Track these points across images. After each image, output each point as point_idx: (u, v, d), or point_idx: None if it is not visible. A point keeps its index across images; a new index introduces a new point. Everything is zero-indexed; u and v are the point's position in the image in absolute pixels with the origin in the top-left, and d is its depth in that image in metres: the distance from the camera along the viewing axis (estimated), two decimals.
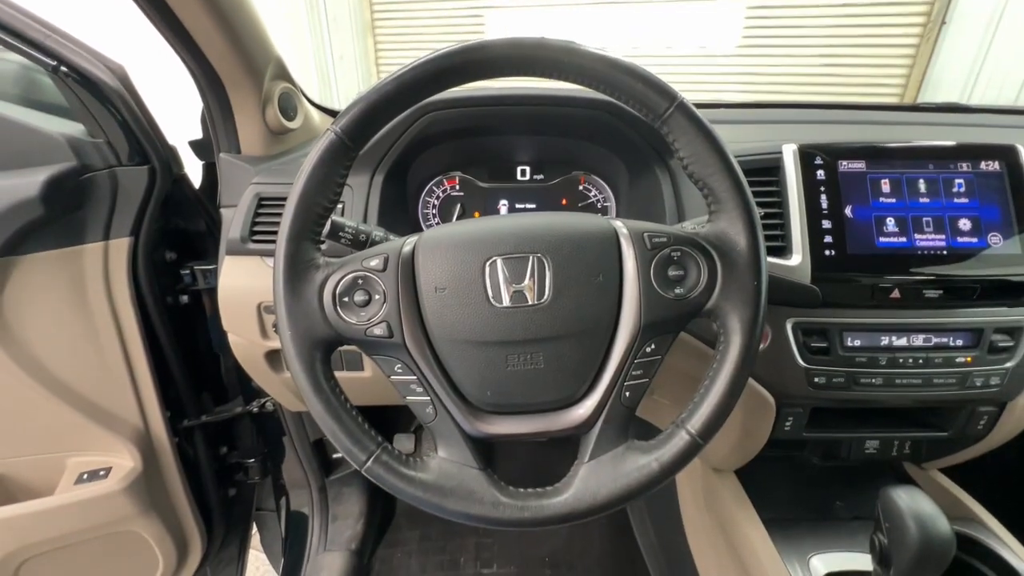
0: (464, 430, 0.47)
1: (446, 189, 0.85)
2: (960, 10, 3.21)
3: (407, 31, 4.16)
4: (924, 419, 0.72)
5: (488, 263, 0.46)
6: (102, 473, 0.81)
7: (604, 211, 0.85)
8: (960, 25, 3.24)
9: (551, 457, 1.30)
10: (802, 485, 0.83)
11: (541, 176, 0.86)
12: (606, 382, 0.47)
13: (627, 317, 0.46)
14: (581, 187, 0.85)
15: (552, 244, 0.46)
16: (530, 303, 0.46)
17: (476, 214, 0.85)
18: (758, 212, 0.46)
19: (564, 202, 0.85)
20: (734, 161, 0.46)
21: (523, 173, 0.85)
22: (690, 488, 0.88)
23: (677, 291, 0.46)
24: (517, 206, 0.86)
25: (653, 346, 0.47)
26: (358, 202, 0.71)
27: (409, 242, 0.48)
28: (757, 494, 0.78)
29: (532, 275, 0.46)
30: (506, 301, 0.46)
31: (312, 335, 0.46)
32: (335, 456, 1.22)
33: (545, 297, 0.46)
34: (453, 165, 0.85)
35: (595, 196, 0.85)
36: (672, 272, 0.46)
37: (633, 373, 0.47)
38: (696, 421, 0.45)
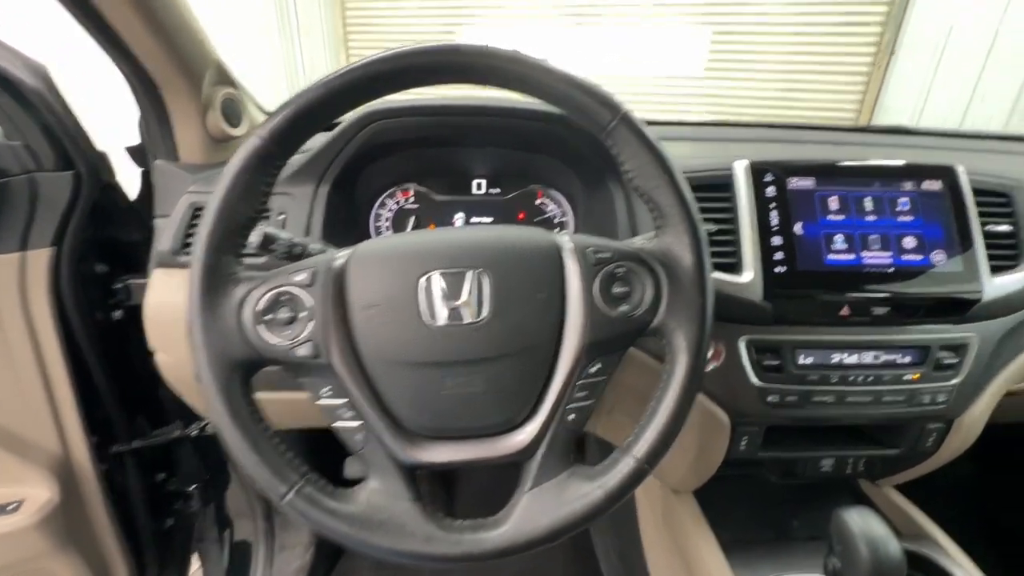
0: (397, 458, 0.44)
1: (399, 201, 0.83)
2: (907, 41, 3.41)
3: (381, 45, 4.14)
4: (877, 436, 0.73)
5: (422, 278, 0.43)
6: (12, 507, 0.73)
7: (562, 226, 0.83)
8: (907, 55, 3.44)
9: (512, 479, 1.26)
10: (761, 504, 0.82)
11: (498, 189, 0.84)
12: (549, 405, 0.44)
13: (571, 336, 0.44)
14: (538, 201, 0.83)
15: (492, 259, 0.44)
16: (467, 321, 0.43)
17: (432, 227, 0.83)
18: (704, 228, 0.45)
19: (522, 216, 0.83)
20: (679, 175, 0.45)
21: (479, 186, 0.84)
22: (650, 510, 0.86)
23: (622, 308, 0.45)
24: (473, 220, 0.84)
25: (599, 366, 0.45)
26: (300, 213, 0.68)
27: (341, 256, 0.45)
28: (716, 515, 0.76)
29: (470, 291, 0.43)
30: (442, 319, 0.43)
31: (229, 356, 0.42)
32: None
33: (484, 315, 0.43)
34: (407, 176, 0.82)
35: (552, 211, 0.83)
36: (617, 289, 0.45)
37: (577, 395, 0.44)
38: (642, 446, 0.43)
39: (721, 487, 0.77)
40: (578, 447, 0.47)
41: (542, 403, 0.45)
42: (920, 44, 3.38)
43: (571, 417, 0.44)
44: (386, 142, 0.69)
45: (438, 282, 0.43)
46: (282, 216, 0.68)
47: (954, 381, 0.64)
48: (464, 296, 0.43)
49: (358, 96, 0.44)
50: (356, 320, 0.43)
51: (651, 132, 0.44)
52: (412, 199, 0.83)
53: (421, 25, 4.03)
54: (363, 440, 0.44)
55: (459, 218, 0.84)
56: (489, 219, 0.84)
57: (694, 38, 3.81)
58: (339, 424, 0.44)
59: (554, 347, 0.44)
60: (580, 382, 0.44)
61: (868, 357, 0.64)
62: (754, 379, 0.63)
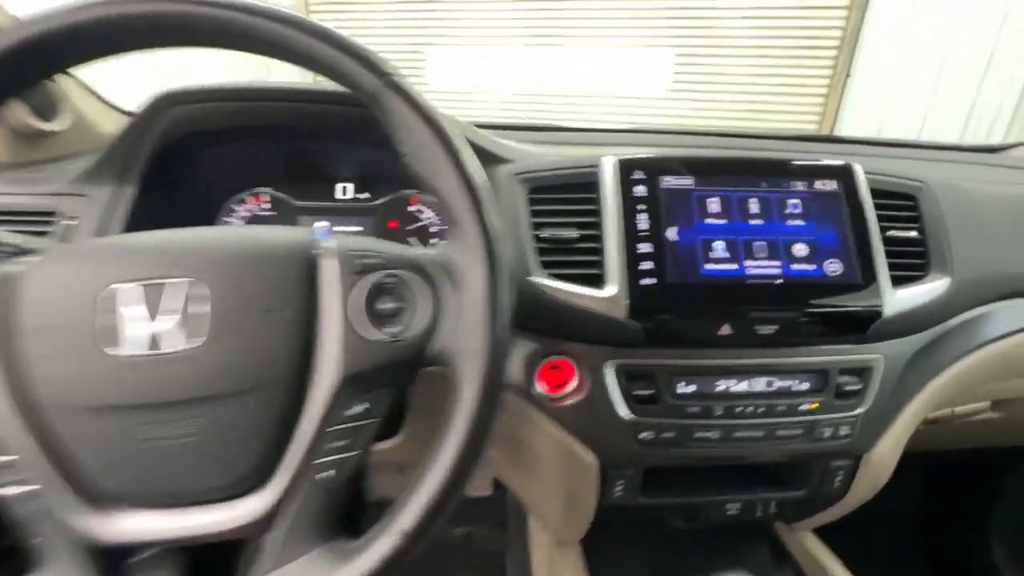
0: (78, 536, 0.32)
1: (252, 208, 0.72)
2: (862, 65, 3.49)
3: None
4: (782, 476, 0.63)
5: (105, 292, 0.32)
6: None
7: (440, 236, 0.74)
8: (863, 78, 3.51)
9: None
10: (666, 553, 0.71)
11: (367, 194, 0.74)
12: (295, 460, 0.34)
13: (325, 366, 0.34)
14: (412, 208, 0.74)
15: (211, 265, 0.34)
16: (169, 350, 0.32)
17: None
18: (501, 230, 0.36)
19: (394, 224, 0.74)
20: (466, 156, 0.35)
21: (344, 191, 0.74)
22: (541, 562, 0.75)
23: (391, 329, 0.35)
24: (338, 229, 0.73)
25: (365, 406, 0.35)
26: (95, 219, 0.57)
27: (22, 261, 0.34)
28: (610, 569, 0.65)
29: (174, 308, 0.33)
30: (131, 348, 0.32)
31: None
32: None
33: (195, 341, 0.33)
34: (259, 179, 0.72)
35: (428, 218, 0.74)
36: (384, 305, 0.35)
37: (333, 445, 0.34)
38: (408, 516, 0.32)
39: (618, 535, 0.66)
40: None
41: (284, 457, 0.34)
42: (874, 68, 3.46)
43: (325, 474, 0.34)
44: (198, 132, 0.59)
45: (127, 298, 0.32)
46: (74, 221, 0.57)
47: (858, 410, 0.55)
48: (162, 316, 0.32)
49: (55, 58, 0.34)
50: (24, 348, 0.32)
51: (428, 101, 0.35)
52: (267, 205, 0.73)
53: (388, 46, 4.01)
54: (36, 512, 0.32)
55: (322, 227, 0.74)
56: (357, 228, 0.74)
57: (657, 59, 3.85)
58: (1, 492, 0.32)
59: (302, 381, 0.34)
60: (336, 428, 0.34)
61: (759, 384, 0.55)
62: (624, 412, 0.53)
